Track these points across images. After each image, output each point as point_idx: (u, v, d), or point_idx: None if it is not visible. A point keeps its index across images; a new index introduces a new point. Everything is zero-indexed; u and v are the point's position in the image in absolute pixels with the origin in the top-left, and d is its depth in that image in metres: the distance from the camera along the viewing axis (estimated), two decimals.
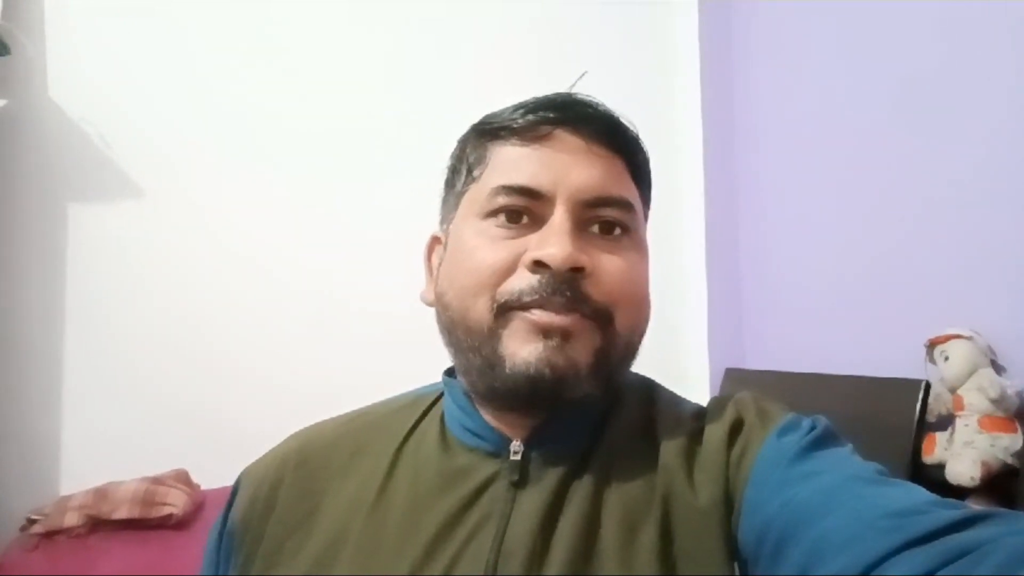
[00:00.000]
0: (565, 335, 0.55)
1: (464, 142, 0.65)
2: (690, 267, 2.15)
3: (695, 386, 2.05)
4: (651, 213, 0.67)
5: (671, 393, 0.67)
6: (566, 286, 0.55)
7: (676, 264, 2.14)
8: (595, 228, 0.59)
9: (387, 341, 1.78)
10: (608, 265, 0.57)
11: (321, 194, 1.99)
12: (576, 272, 0.55)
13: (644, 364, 0.65)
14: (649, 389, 0.66)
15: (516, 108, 0.61)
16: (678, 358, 2.09)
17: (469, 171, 0.62)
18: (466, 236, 0.59)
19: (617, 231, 0.59)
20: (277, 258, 1.95)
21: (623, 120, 0.62)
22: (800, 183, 2.00)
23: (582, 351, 0.55)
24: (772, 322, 2.10)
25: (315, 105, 2.01)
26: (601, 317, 0.56)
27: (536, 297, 0.54)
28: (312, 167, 1.99)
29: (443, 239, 0.64)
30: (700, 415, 0.62)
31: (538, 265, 0.55)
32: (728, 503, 0.54)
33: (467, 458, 0.59)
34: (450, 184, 0.65)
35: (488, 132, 0.62)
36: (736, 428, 0.58)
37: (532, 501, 0.55)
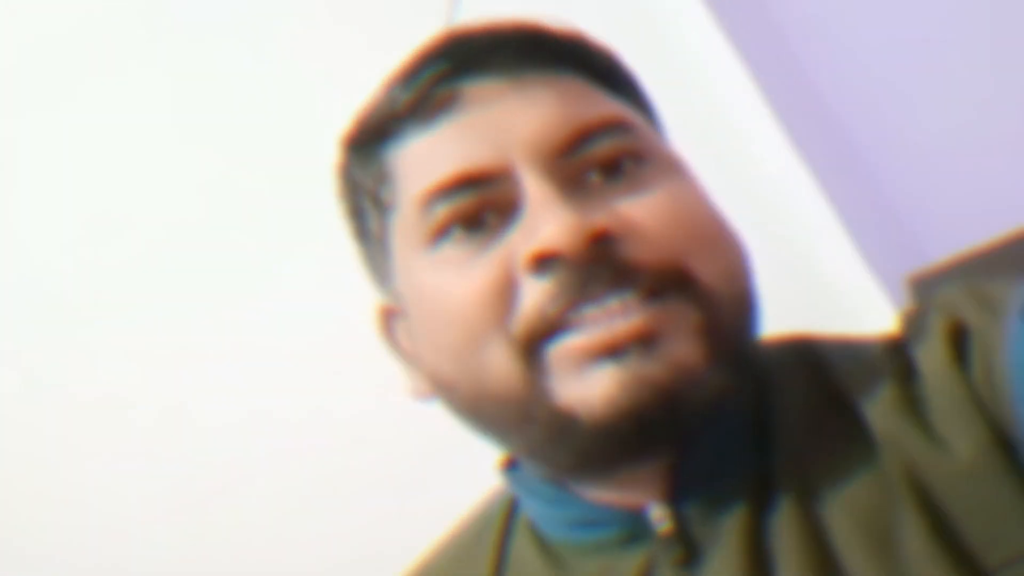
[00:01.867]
0: (645, 340, 0.39)
1: (346, 171, 0.49)
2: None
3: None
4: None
5: (838, 338, 0.49)
6: (599, 266, 0.39)
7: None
8: (593, 176, 0.42)
9: None
10: (639, 210, 0.41)
11: None
12: (601, 241, 0.39)
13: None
14: (806, 348, 0.49)
15: (388, 89, 0.46)
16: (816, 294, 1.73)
17: (375, 201, 0.46)
18: (420, 280, 0.44)
19: (627, 163, 0.43)
20: None
21: (549, 25, 0.47)
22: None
23: (681, 340, 0.40)
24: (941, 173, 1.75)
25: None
26: (671, 281, 0.40)
27: (568, 304, 0.39)
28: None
29: (394, 306, 0.48)
30: (897, 347, 0.45)
31: (542, 262, 0.40)
32: (1000, 443, 0.39)
33: (592, 560, 0.44)
34: (362, 235, 0.49)
35: (370, 138, 0.46)
36: (959, 336, 0.42)
37: (723, 573, 0.41)
